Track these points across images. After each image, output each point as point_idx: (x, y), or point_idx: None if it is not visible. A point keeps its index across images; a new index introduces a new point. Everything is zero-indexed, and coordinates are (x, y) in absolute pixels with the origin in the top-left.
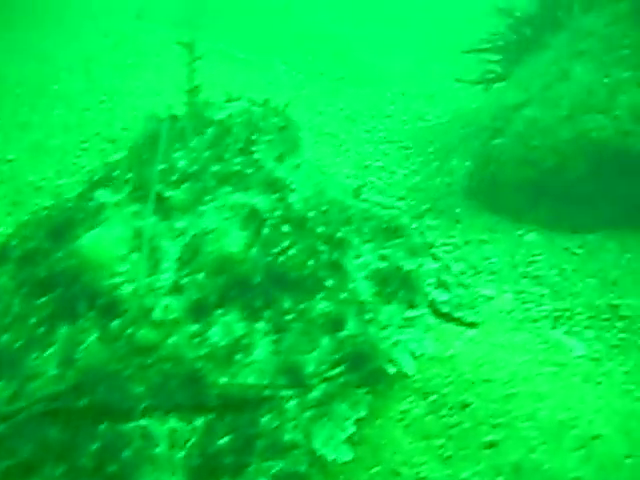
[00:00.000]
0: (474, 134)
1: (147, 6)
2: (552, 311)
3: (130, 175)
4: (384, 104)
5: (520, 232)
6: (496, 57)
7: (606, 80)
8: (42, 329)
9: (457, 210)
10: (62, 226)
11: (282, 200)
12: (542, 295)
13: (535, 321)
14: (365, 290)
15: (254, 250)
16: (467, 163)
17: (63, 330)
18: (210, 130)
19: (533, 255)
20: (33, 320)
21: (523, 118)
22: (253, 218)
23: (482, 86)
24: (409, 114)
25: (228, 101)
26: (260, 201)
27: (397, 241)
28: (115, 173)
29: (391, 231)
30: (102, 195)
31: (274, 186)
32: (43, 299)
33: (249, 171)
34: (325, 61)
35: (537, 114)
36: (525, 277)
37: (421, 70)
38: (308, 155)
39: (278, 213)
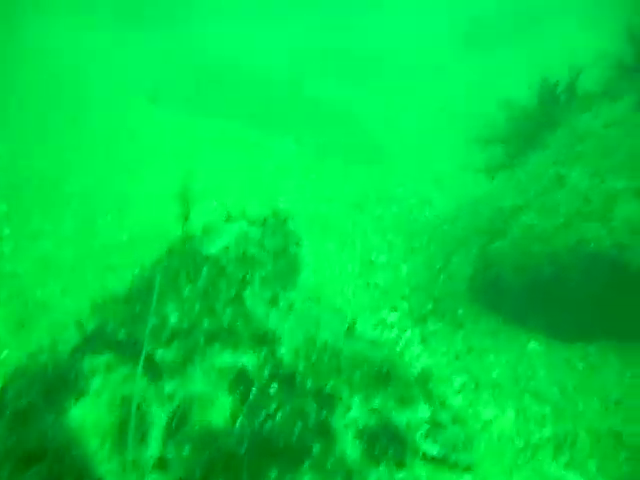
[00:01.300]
0: (475, 234)
1: (160, 89)
2: (553, 436)
3: (122, 332)
4: (392, 186)
5: (522, 339)
6: (498, 148)
7: (602, 188)
8: None
9: (459, 312)
10: (55, 385)
11: (272, 354)
12: (544, 416)
13: (536, 449)
14: (353, 452)
15: (240, 419)
16: (469, 263)
17: None
18: (204, 272)
19: (534, 368)
20: None
21: (521, 224)
22: (241, 381)
23: (485, 173)
24: (416, 198)
25: (228, 220)
26: (249, 360)
27: (388, 390)
28: (109, 328)
29: (382, 378)
30: (93, 358)
31: (264, 339)
32: (32, 470)
33: (239, 324)
34: (336, 141)
35: (534, 220)
36: (527, 393)
37: (428, 153)
38: (306, 278)
39: (266, 371)
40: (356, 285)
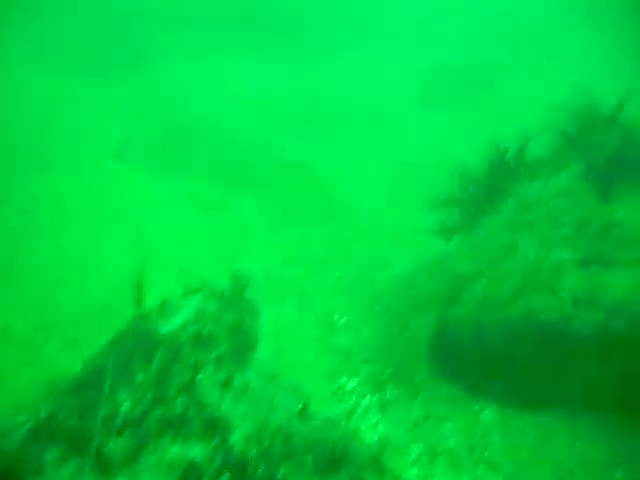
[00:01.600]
0: (433, 299)
1: (127, 142)
2: None
3: (74, 420)
4: (353, 247)
5: (477, 407)
6: (454, 210)
7: (550, 258)
8: None
9: (418, 377)
10: (5, 476)
11: (223, 443)
12: None
13: None
14: None
15: None
16: (427, 328)
17: None
18: (158, 355)
19: (490, 436)
20: None
21: (475, 292)
22: (191, 473)
23: (442, 235)
24: (376, 259)
25: (185, 294)
26: (199, 451)
27: (341, 473)
28: (61, 415)
29: (335, 460)
30: (43, 450)
31: (216, 427)
32: None
33: (191, 412)
34: (299, 200)
35: (487, 289)
36: (482, 463)
37: (388, 213)
38: (263, 352)
39: (217, 461)
40: (316, 349)
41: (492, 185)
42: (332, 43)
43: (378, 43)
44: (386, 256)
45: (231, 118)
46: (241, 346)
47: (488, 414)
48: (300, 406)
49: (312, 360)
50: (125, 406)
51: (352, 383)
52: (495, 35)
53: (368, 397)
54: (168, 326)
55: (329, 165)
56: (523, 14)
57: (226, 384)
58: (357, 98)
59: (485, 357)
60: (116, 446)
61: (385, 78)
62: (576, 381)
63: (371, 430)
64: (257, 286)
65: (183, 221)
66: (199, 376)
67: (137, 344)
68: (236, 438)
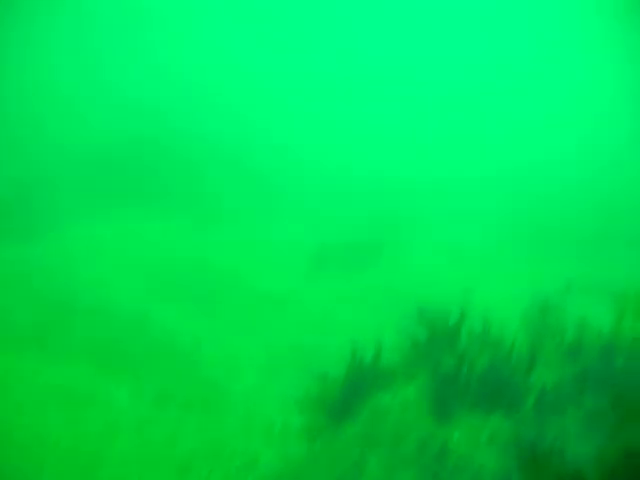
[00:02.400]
0: None
1: None
2: None
3: None
4: (223, 444)
5: None
6: (319, 413)
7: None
8: None
9: None
10: None
11: None
12: None
13: None
14: None
15: None
16: None
17: None
18: None
19: None
20: None
21: None
22: None
23: (306, 436)
24: (244, 457)
25: None
26: None
27: None
28: None
29: None
30: None
31: None
32: None
33: None
34: (176, 385)
35: None
36: None
37: (259, 405)
38: None
39: None
40: None
41: (350, 390)
42: (223, 209)
43: (270, 213)
44: (255, 455)
45: (111, 288)
46: None
47: None
48: None
49: None
50: None
51: None
52: (382, 212)
53: None
54: None
55: (207, 346)
56: (404, 189)
57: None
58: (242, 271)
59: None
60: None
61: (274, 251)
62: None
63: None
64: None
65: (37, 421)
66: None
67: None
68: None
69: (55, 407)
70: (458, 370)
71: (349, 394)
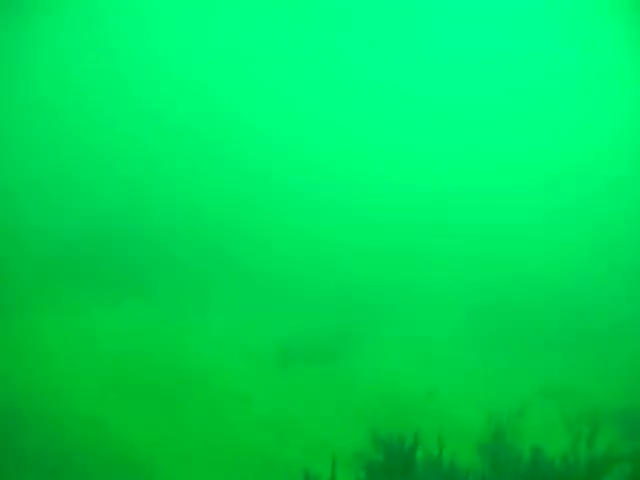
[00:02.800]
0: None
1: None
2: None
3: None
4: None
5: None
6: None
7: None
8: None
9: None
10: None
11: None
12: None
13: None
14: None
15: None
16: None
17: None
18: None
19: None
20: None
21: None
22: None
23: None
24: None
25: None
26: None
27: None
28: None
29: None
30: None
31: None
32: None
33: None
34: None
35: None
36: None
37: None
38: None
39: None
40: None
41: None
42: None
43: (239, 304)
44: None
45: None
46: None
47: None
48: None
49: None
50: None
51: None
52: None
53: None
54: None
55: (163, 459)
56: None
57: None
58: (209, 368)
59: None
60: None
61: (240, 347)
62: None
63: None
64: None
65: None
66: None
67: None
68: None
69: None
70: None
71: None
